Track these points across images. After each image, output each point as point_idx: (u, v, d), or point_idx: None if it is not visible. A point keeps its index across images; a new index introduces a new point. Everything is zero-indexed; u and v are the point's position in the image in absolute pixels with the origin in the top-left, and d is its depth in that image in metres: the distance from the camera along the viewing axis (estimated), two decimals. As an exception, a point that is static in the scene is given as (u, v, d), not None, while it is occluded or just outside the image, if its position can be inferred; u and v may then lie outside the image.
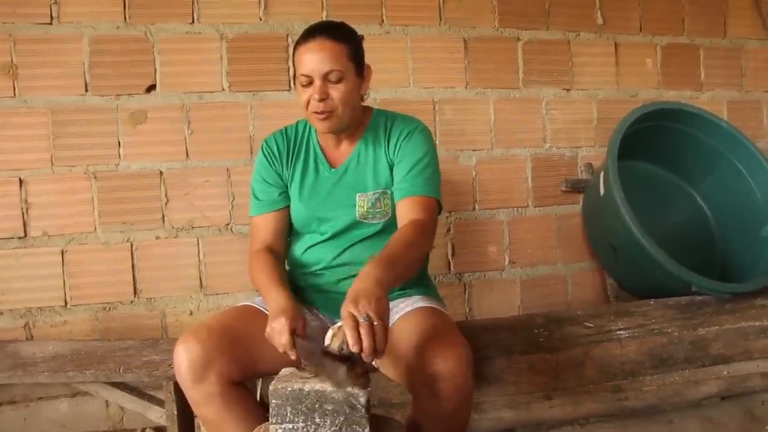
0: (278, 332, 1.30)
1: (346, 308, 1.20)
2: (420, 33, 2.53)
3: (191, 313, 2.30)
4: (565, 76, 2.72)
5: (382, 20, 2.49)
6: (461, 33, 2.58)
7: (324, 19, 2.39)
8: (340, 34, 1.53)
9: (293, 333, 1.30)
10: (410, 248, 1.44)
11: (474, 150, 2.59)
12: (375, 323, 1.19)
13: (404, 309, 1.57)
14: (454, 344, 1.37)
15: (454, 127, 2.57)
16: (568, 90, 2.72)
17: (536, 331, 2.01)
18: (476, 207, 2.59)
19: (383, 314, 1.23)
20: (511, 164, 2.64)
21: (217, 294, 2.32)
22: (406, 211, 1.56)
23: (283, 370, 1.27)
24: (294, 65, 1.56)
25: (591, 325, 2.04)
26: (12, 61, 2.17)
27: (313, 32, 1.53)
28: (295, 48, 1.55)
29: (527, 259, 2.66)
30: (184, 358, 1.37)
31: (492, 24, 2.62)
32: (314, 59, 1.49)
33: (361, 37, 1.63)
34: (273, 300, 1.42)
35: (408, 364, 1.38)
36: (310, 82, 1.51)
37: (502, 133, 2.63)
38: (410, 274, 1.47)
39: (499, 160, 2.62)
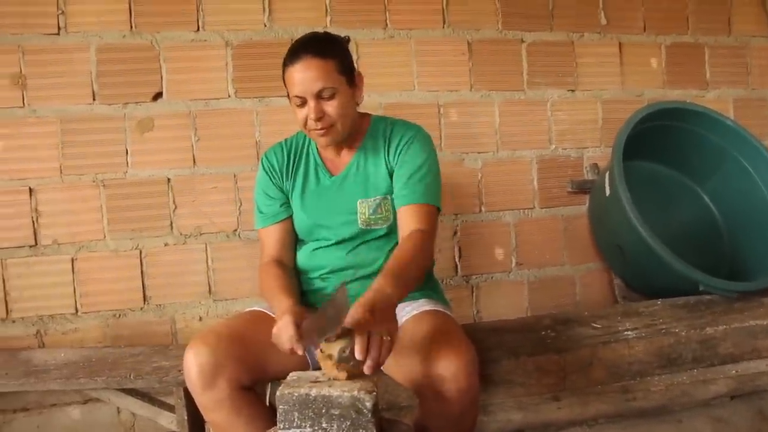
0: (283, 328, 1.30)
1: (360, 316, 1.20)
2: (424, 36, 2.54)
3: (201, 319, 2.31)
4: (569, 77, 2.72)
5: (386, 24, 2.50)
6: (465, 35, 2.59)
7: (328, 24, 2.42)
8: (325, 50, 1.53)
9: (298, 328, 1.30)
10: (416, 262, 1.47)
11: (480, 152, 2.59)
12: (385, 338, 1.21)
13: (410, 312, 1.58)
14: (458, 347, 1.38)
15: (460, 129, 2.57)
16: (572, 91, 2.72)
17: (544, 332, 2.01)
18: (482, 209, 2.60)
19: (394, 333, 1.26)
20: (517, 166, 2.64)
21: (226, 299, 2.34)
22: (408, 219, 1.57)
23: (290, 374, 1.28)
24: (285, 85, 1.56)
25: (598, 326, 2.04)
26: (21, 71, 2.20)
27: (297, 52, 1.52)
28: (283, 68, 1.55)
29: (534, 261, 2.65)
30: (193, 363, 1.38)
31: (496, 26, 2.63)
32: (304, 80, 1.49)
33: (347, 40, 1.63)
34: (278, 304, 1.44)
35: (413, 367, 1.39)
36: (304, 102, 1.52)
37: (508, 135, 2.63)
38: (414, 287, 1.49)
39: (504, 162, 2.63)
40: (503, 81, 2.63)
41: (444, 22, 2.56)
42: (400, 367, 1.48)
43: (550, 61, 2.69)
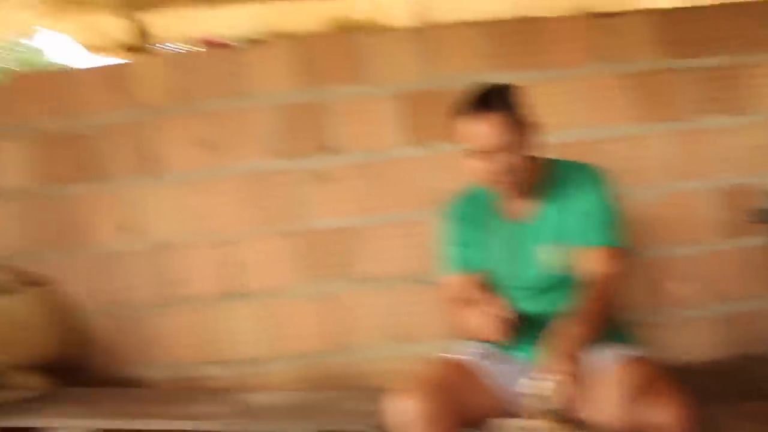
0: (492, 307, 1.44)
1: (563, 365, 1.27)
2: (578, 73, 2.53)
3: (387, 362, 2.39)
4: (737, 102, 2.58)
5: (540, 65, 2.50)
6: (620, 69, 2.54)
7: (486, 69, 2.45)
8: (504, 104, 1.53)
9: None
10: (602, 306, 1.48)
11: (647, 186, 2.52)
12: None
13: (611, 357, 1.55)
14: (673, 394, 1.34)
15: (625, 164, 2.49)
16: (742, 116, 2.58)
17: (749, 374, 1.90)
18: (657, 244, 2.51)
19: (578, 378, 1.31)
20: (689, 198, 2.54)
21: (410, 342, 2.41)
22: (593, 262, 1.55)
23: (494, 421, 1.32)
24: (457, 135, 1.55)
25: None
26: (207, 134, 2.43)
27: (473, 105, 1.52)
28: (456, 119, 1.54)
29: (717, 296, 2.52)
30: (413, 411, 1.43)
31: (651, 56, 2.56)
32: (479, 135, 1.50)
33: (521, 89, 1.60)
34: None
35: (626, 415, 1.37)
36: (479, 155, 1.52)
37: (675, 166, 2.54)
38: (600, 332, 1.48)
39: (675, 195, 2.53)
40: (664, 111, 2.56)
41: (596, 57, 2.54)
42: (609, 415, 1.46)
43: (713, 87, 2.57)
